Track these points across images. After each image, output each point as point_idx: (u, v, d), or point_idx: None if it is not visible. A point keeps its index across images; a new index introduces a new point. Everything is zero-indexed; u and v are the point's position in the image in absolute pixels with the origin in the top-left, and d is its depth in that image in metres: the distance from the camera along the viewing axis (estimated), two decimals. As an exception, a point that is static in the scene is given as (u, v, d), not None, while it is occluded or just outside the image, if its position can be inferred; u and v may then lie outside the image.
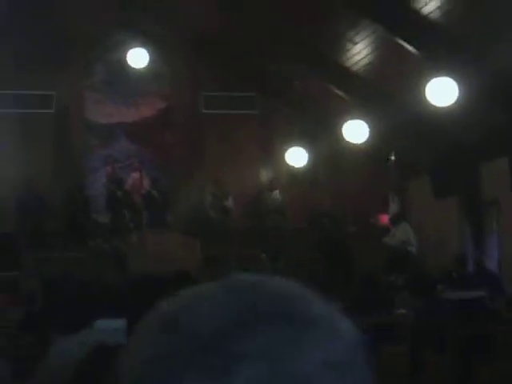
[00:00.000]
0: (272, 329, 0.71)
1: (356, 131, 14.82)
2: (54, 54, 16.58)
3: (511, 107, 12.18)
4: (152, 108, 17.68)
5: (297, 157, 16.75)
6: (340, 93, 15.85)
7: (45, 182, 16.26)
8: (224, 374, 0.69)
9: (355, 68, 14.81)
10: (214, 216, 16.44)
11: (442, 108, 12.21)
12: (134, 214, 16.08)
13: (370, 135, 14.79)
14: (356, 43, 13.97)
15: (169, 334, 0.72)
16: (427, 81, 11.96)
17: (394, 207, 16.13)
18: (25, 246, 14.44)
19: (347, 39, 14.01)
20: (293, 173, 17.13)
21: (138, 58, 16.36)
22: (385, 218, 16.39)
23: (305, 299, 0.76)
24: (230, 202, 16.58)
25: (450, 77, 11.80)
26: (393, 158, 15.93)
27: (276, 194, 17.17)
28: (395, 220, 15.50)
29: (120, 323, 3.47)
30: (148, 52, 16.35)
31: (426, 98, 12.05)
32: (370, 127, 14.71)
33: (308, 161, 16.78)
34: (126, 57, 16.40)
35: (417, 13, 12.08)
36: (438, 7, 11.81)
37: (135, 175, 17.12)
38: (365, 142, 14.97)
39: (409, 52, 12.82)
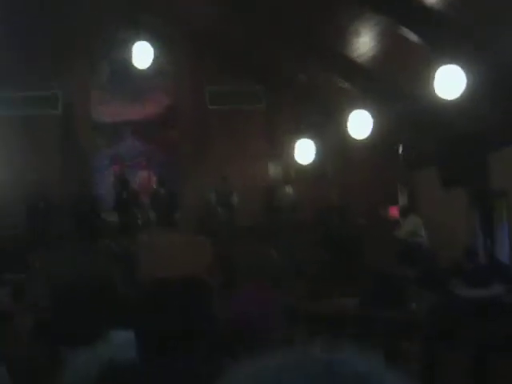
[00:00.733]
0: None
1: (362, 123, 14.75)
2: (59, 54, 16.56)
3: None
4: (158, 105, 17.64)
5: (304, 150, 16.69)
6: (346, 85, 15.79)
7: (53, 182, 16.25)
8: None
9: (360, 60, 14.75)
10: (220, 213, 16.40)
11: (449, 98, 12.14)
12: (142, 213, 16.06)
13: (377, 127, 14.72)
14: (361, 35, 13.91)
15: None
16: (433, 70, 11.90)
17: (403, 199, 16.09)
18: (34, 248, 14.43)
19: (352, 31, 13.94)
20: (301, 166, 17.07)
21: (142, 55, 16.30)
22: (394, 210, 16.35)
23: (380, 380, 0.72)
24: (234, 198, 16.51)
25: (457, 65, 11.73)
26: (401, 149, 15.88)
27: (289, 188, 17.14)
28: (404, 212, 15.47)
29: (130, 335, 3.43)
30: (153, 49, 16.30)
31: (432, 88, 11.98)
32: (376, 119, 14.65)
33: (316, 154, 16.72)
34: (130, 54, 16.35)
35: (420, 2, 12.02)
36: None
37: (143, 174, 17.12)
38: (372, 134, 14.90)
39: (414, 43, 12.76)
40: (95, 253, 13.25)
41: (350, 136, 15.31)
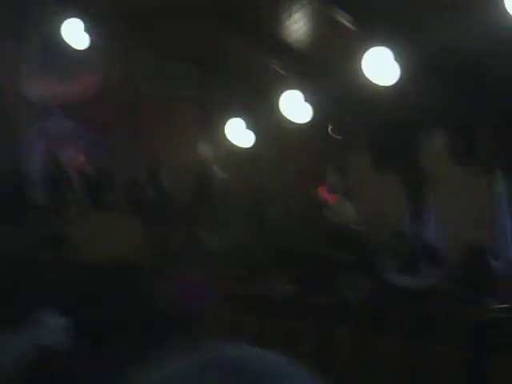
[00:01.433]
0: None
1: (294, 104, 14.79)
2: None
3: (448, 78, 12.24)
4: (89, 84, 17.36)
5: (236, 132, 16.69)
6: (277, 66, 15.77)
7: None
8: None
9: (291, 40, 14.72)
10: (151, 194, 16.27)
11: (380, 79, 12.24)
12: (71, 192, 15.83)
13: (310, 108, 14.77)
14: (293, 15, 13.89)
15: None
16: (363, 53, 11.97)
17: (333, 181, 16.16)
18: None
19: (284, 11, 13.92)
20: (233, 148, 17.05)
21: (73, 30, 16.02)
22: (327, 193, 16.42)
23: (291, 379, 0.68)
24: (164, 180, 16.39)
25: (387, 48, 11.82)
26: (331, 130, 15.96)
27: (220, 170, 17.10)
28: (337, 195, 15.55)
29: (60, 319, 3.34)
30: (86, 27, 16.03)
31: (362, 69, 12.06)
32: (309, 100, 14.69)
33: (248, 136, 16.72)
34: (61, 30, 16.05)
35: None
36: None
37: (72, 152, 16.86)
38: (305, 116, 14.94)
39: (345, 24, 12.80)
40: (22, 233, 13.02)
41: (282, 117, 15.33)
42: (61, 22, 16.03)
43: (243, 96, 16.86)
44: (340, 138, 15.92)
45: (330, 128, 15.91)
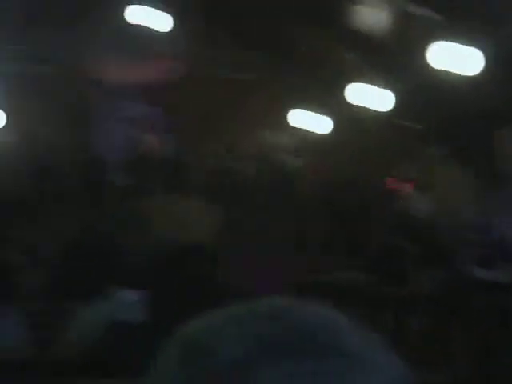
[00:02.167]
0: (301, 362, 0.65)
1: (367, 94, 14.75)
2: (66, 11, 16.45)
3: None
4: (164, 68, 17.52)
5: (309, 121, 16.70)
6: (351, 56, 15.70)
7: (60, 143, 16.24)
8: None
9: (366, 29, 14.62)
10: (230, 178, 16.42)
11: (457, 70, 12.09)
12: (149, 176, 16.04)
13: (384, 98, 14.70)
14: (366, 4, 13.82)
15: (189, 361, 0.68)
16: (435, 43, 11.82)
17: (408, 172, 16.03)
18: (44, 207, 14.47)
19: (357, 0, 13.87)
20: (306, 137, 17.06)
21: (153, 18, 16.20)
22: (403, 185, 16.29)
23: (340, 331, 0.69)
24: (244, 164, 16.52)
25: (461, 42, 11.66)
26: (411, 123, 15.84)
27: (293, 158, 17.14)
28: (414, 187, 15.42)
29: (139, 295, 3.44)
30: (160, 11, 16.17)
31: (434, 60, 11.93)
32: (383, 89, 14.62)
33: (319, 125, 16.72)
34: (134, 15, 16.18)
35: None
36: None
37: (150, 137, 17.06)
38: (380, 107, 14.88)
39: (421, 15, 12.68)
40: (102, 214, 13.27)
41: (356, 107, 15.27)
42: (138, 7, 16.17)
43: (319, 85, 16.82)
44: (415, 127, 15.79)
45: (405, 118, 15.79)
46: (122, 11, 16.63)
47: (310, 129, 16.82)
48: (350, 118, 16.54)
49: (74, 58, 16.82)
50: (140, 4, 16.08)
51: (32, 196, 15.23)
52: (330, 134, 17.12)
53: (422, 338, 6.79)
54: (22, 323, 3.47)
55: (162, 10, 16.19)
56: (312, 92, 16.58)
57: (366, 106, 14.92)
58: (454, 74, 12.10)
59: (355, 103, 14.92)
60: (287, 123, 17.37)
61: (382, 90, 14.57)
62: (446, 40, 11.74)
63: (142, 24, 16.23)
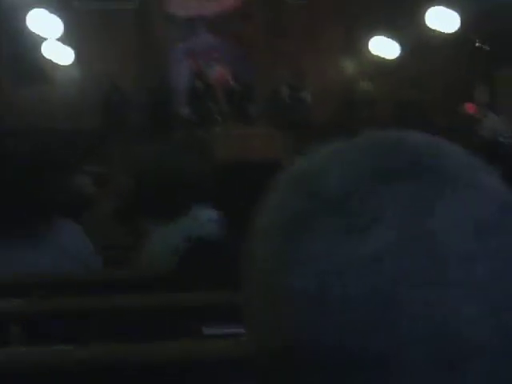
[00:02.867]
0: (406, 186, 0.65)
1: (443, 17, 14.43)
2: None
3: None
4: (230, 0, 17.45)
5: (383, 47, 16.45)
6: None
7: (128, 76, 16.37)
8: (357, 234, 0.64)
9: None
10: (292, 108, 16.37)
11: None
12: (217, 107, 16.12)
13: (456, 21, 14.38)
14: None
15: (297, 196, 0.68)
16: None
17: (481, 96, 15.75)
18: (110, 141, 14.67)
19: None
20: (377, 63, 16.83)
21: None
22: (471, 107, 16.03)
23: (444, 155, 0.69)
24: (307, 94, 16.44)
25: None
26: (481, 44, 15.51)
27: (364, 84, 16.99)
28: (485, 110, 15.15)
29: (214, 212, 3.48)
30: None
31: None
32: (457, 13, 14.30)
33: (392, 50, 16.45)
34: None
35: None
36: None
37: (218, 68, 17.07)
38: (451, 29, 14.56)
39: None
40: (173, 144, 13.40)
41: (428, 31, 14.99)
42: None
43: (389, 9, 16.54)
44: (487, 49, 15.45)
45: (480, 42, 15.45)
46: None
47: (383, 54, 16.58)
48: (422, 41, 16.26)
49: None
50: None
51: (101, 129, 15.46)
52: (403, 58, 16.88)
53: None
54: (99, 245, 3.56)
55: None
56: (384, 16, 16.31)
57: (440, 28, 14.64)
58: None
59: (429, 27, 14.65)
60: (360, 48, 17.15)
61: (456, 11, 14.26)
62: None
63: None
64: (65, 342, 2.40)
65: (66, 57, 16.23)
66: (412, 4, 15.85)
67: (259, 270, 0.69)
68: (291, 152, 10.81)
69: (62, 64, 16.28)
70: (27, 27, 15.02)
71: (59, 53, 15.98)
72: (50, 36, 15.39)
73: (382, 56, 16.54)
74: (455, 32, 14.69)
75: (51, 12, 15.06)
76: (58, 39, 15.68)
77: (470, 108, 16.05)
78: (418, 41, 16.27)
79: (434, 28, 14.67)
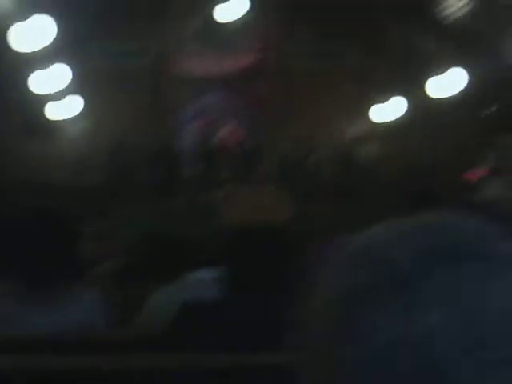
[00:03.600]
0: (466, 270, 0.69)
1: (453, 82, 14.58)
2: (150, 5, 16.62)
3: None
4: (246, 59, 17.59)
5: (390, 109, 16.58)
6: (434, 45, 15.53)
7: (140, 134, 16.44)
8: (411, 311, 0.68)
9: (452, 18, 14.45)
10: (300, 169, 16.42)
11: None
12: (226, 166, 16.15)
13: (467, 86, 14.51)
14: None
15: (362, 268, 0.72)
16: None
17: (489, 162, 15.80)
18: (118, 199, 14.68)
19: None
20: (386, 126, 16.94)
21: (234, 8, 16.31)
22: (478, 173, 16.08)
23: (495, 239, 0.74)
24: (314, 156, 16.52)
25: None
26: (490, 109, 15.62)
27: (369, 147, 17.06)
28: (490, 175, 15.20)
29: (215, 274, 3.49)
30: (242, 3, 16.27)
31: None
32: (468, 78, 14.43)
33: (401, 113, 16.58)
34: (221, 7, 16.34)
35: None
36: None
37: (230, 127, 17.15)
38: (462, 94, 14.69)
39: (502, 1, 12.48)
40: (179, 203, 13.44)
41: (436, 96, 15.10)
42: (221, 1, 16.32)
43: (398, 75, 16.69)
44: (493, 113, 15.54)
45: (492, 106, 15.57)
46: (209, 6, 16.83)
47: (389, 118, 16.69)
48: (429, 106, 16.38)
49: (160, 50, 17.02)
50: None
51: (106, 185, 15.47)
52: (408, 123, 16.99)
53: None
54: (100, 307, 3.56)
55: (249, 1, 16.32)
56: (392, 81, 16.45)
57: (447, 96, 14.77)
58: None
59: (436, 94, 14.78)
60: (367, 113, 17.29)
61: (462, 79, 14.39)
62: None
63: (227, 17, 16.37)
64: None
65: (75, 112, 16.32)
66: (415, 70, 16.03)
67: (319, 340, 0.72)
68: (300, 215, 10.81)
69: (69, 119, 16.37)
70: (36, 81, 15.04)
71: (68, 107, 16.06)
72: (59, 90, 15.43)
73: (387, 121, 16.66)
74: (459, 98, 14.81)
75: (61, 65, 15.10)
76: (68, 93, 15.77)
77: (473, 175, 16.11)
78: (422, 106, 16.40)
79: (437, 94, 14.80)
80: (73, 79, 15.42)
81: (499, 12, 12.92)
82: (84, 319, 3.26)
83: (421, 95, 16.24)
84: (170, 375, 2.67)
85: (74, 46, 15.20)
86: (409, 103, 16.52)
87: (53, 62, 14.76)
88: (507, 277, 0.70)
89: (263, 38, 17.52)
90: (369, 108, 17.16)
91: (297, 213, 10.10)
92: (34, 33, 13.04)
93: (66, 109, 16.09)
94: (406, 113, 16.63)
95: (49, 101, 15.75)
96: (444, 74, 14.57)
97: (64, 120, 16.38)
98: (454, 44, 14.75)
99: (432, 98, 15.46)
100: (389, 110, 16.60)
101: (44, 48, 13.56)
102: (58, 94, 15.57)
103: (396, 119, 16.65)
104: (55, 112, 16.04)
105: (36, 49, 13.45)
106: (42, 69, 14.70)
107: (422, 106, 16.58)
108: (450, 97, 14.86)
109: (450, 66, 14.49)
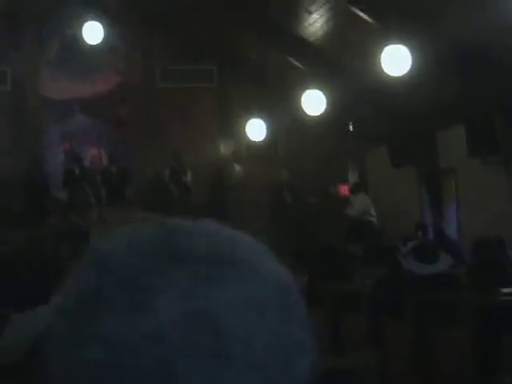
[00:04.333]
0: (191, 268, 0.72)
1: (314, 102, 14.83)
2: (7, 29, 16.35)
3: (465, 74, 12.24)
4: (108, 83, 17.54)
5: (256, 130, 16.73)
6: (297, 63, 15.84)
7: (2, 159, 16.11)
8: (140, 311, 0.70)
9: (311, 38, 14.78)
10: (173, 191, 16.40)
11: (398, 77, 12.27)
12: (92, 190, 15.97)
13: (328, 105, 14.80)
14: (311, 13, 13.93)
15: (94, 275, 0.73)
16: (382, 49, 12.02)
17: (353, 177, 16.22)
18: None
19: (302, 9, 13.96)
20: (252, 145, 17.11)
21: (92, 32, 16.22)
22: (344, 189, 16.48)
23: (230, 241, 0.76)
24: (188, 177, 16.53)
25: (404, 45, 11.86)
26: (351, 127, 15.99)
27: (237, 167, 17.17)
28: (354, 190, 15.61)
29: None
30: (103, 26, 16.21)
31: (381, 66, 12.10)
32: (327, 97, 14.73)
33: (267, 133, 16.77)
34: (80, 31, 16.25)
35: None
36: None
37: (93, 151, 17.02)
38: (323, 113, 14.99)
39: (364, 20, 12.83)
40: (44, 229, 13.17)
41: (301, 115, 15.38)
42: (80, 23, 16.20)
43: (263, 94, 16.92)
44: (361, 135, 15.95)
45: (350, 125, 15.95)
46: (69, 27, 16.66)
47: (257, 137, 16.85)
48: (295, 125, 16.66)
49: (19, 74, 16.73)
50: (85, 20, 16.11)
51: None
52: (275, 140, 17.22)
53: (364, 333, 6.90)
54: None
55: (107, 25, 16.24)
56: (258, 100, 16.64)
57: (312, 112, 15.02)
58: (394, 77, 12.28)
59: (302, 110, 15.02)
60: (234, 131, 17.43)
61: (326, 95, 14.68)
62: (386, 43, 11.92)
63: (88, 39, 16.26)
64: None
65: None
66: (286, 88, 16.31)
67: (59, 346, 0.73)
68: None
69: None
70: None
71: None
72: None
73: (257, 139, 16.83)
74: (327, 114, 15.12)
75: None
76: None
77: (342, 189, 16.52)
78: (291, 123, 16.68)
79: (307, 110, 15.05)
80: None
81: (358, 31, 13.29)
82: None
83: (287, 114, 16.52)
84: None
85: None
86: (275, 122, 16.75)
87: None
88: (238, 280, 0.72)
89: (124, 61, 17.47)
90: (236, 128, 17.31)
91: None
92: None
93: None
94: (272, 131, 16.84)
95: None
96: (308, 92, 14.83)
97: None
98: (316, 63, 15.08)
99: (299, 117, 15.73)
100: (256, 129, 16.77)
101: None
102: None
103: (264, 139, 16.83)
104: None
105: None
106: None
107: (287, 124, 16.87)
108: (314, 115, 15.14)
109: (313, 85, 14.78)
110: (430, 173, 14.84)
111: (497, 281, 6.21)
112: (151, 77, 17.54)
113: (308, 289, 7.30)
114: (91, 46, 16.48)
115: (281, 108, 16.70)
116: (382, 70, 12.15)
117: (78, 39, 16.45)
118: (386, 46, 11.94)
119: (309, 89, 14.76)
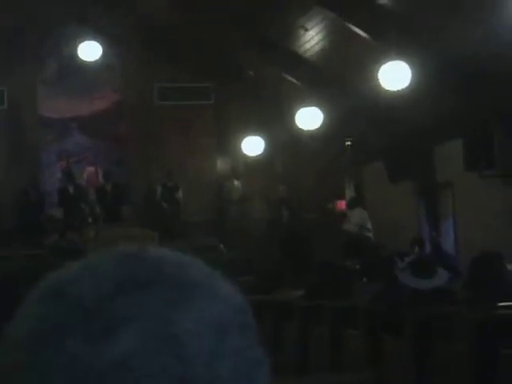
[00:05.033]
0: (151, 293, 0.72)
1: (310, 118, 14.89)
2: (5, 48, 16.40)
3: (462, 90, 12.29)
4: (105, 101, 17.59)
5: (253, 145, 16.77)
6: (294, 80, 15.90)
7: (2, 177, 16.16)
8: (104, 338, 0.70)
9: (308, 54, 14.85)
10: (166, 207, 16.44)
11: (395, 92, 12.33)
12: (89, 208, 16.00)
13: (324, 121, 14.86)
14: (308, 30, 14.00)
15: (52, 304, 0.73)
16: (380, 65, 12.07)
17: (350, 193, 16.24)
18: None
19: (299, 26, 14.03)
20: (249, 161, 17.15)
21: (90, 51, 16.29)
22: (342, 204, 16.50)
23: (185, 265, 0.77)
24: (180, 194, 16.57)
25: (402, 61, 11.92)
26: (348, 143, 16.03)
27: (237, 183, 17.23)
28: (351, 205, 15.63)
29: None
30: (100, 45, 16.27)
31: (379, 82, 12.16)
32: (324, 113, 14.78)
33: (264, 149, 16.81)
34: (77, 50, 16.30)
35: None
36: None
37: (90, 169, 17.06)
38: (320, 129, 15.04)
39: (361, 37, 12.89)
40: (42, 249, 13.20)
41: (298, 131, 15.44)
42: (78, 42, 16.26)
43: (260, 110, 16.96)
44: (358, 150, 15.99)
45: (347, 140, 15.99)
46: (66, 46, 16.73)
47: (254, 153, 16.89)
48: (292, 141, 16.71)
49: (16, 93, 16.78)
50: (82, 39, 16.18)
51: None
52: (272, 156, 17.27)
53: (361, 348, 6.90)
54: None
55: (103, 44, 16.31)
56: (255, 116, 16.68)
57: (310, 127, 15.08)
58: (392, 93, 12.35)
59: (298, 126, 15.08)
60: (232, 148, 17.47)
61: (323, 111, 14.74)
62: (384, 60, 11.98)
63: (85, 57, 16.32)
64: None
65: None
66: (283, 104, 16.37)
67: (13, 379, 0.72)
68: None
69: None
70: None
71: None
72: None
73: (254, 155, 16.86)
74: (324, 130, 15.17)
75: None
76: None
77: (340, 205, 16.54)
78: (288, 139, 16.73)
79: (304, 127, 15.10)
80: None
81: (356, 47, 13.35)
82: None
83: (284, 130, 16.57)
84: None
85: None
86: (272, 138, 16.80)
87: None
88: (199, 302, 0.73)
89: (120, 80, 17.53)
90: (233, 144, 17.35)
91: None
92: None
93: None
94: (269, 147, 16.88)
95: None
96: (305, 108, 14.89)
97: None
98: (312, 79, 15.14)
99: (296, 133, 15.79)
100: (253, 145, 16.81)
101: None
102: None
103: (261, 155, 16.87)
104: None
105: None
106: None
107: (284, 140, 16.92)
108: (311, 130, 15.20)
109: (309, 101, 14.84)
110: (427, 187, 14.87)
111: (495, 295, 6.22)
112: (149, 94, 17.59)
113: (307, 306, 7.33)
114: (88, 64, 16.53)
115: (278, 124, 16.76)
116: (379, 86, 12.21)
117: (75, 58, 16.50)
118: (384, 63, 12.01)
119: (305, 105, 14.82)
